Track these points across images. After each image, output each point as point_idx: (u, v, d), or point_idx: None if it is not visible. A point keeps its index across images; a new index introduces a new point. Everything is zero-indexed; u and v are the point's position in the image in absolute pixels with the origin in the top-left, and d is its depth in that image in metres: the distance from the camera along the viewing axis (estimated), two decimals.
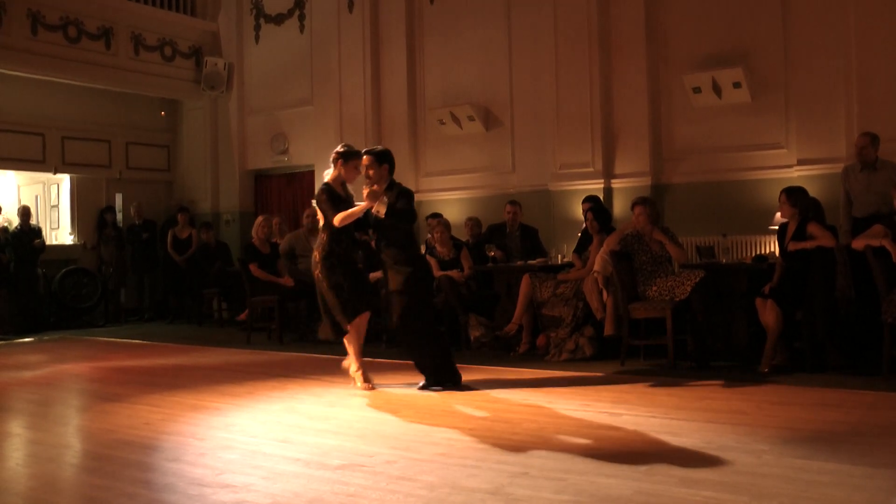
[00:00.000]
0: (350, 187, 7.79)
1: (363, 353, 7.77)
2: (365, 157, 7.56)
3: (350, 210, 7.44)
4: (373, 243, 7.91)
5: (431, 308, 7.98)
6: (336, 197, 7.55)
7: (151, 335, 13.19)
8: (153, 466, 5.10)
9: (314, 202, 7.81)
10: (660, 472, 4.52)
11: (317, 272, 7.61)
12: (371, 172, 7.48)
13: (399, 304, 7.36)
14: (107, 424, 6.49)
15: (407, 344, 7.61)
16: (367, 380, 7.62)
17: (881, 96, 10.19)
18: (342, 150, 7.75)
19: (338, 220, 7.40)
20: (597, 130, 11.99)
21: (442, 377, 7.54)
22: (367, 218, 7.54)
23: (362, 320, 7.68)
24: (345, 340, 7.68)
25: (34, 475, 5.10)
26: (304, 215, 12.78)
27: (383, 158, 7.56)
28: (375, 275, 10.65)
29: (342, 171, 7.68)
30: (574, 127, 12.14)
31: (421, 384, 7.54)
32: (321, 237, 7.64)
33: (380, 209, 7.29)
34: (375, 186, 7.40)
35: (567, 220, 12.05)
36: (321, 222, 7.63)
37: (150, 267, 15.94)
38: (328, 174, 7.75)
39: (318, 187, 7.95)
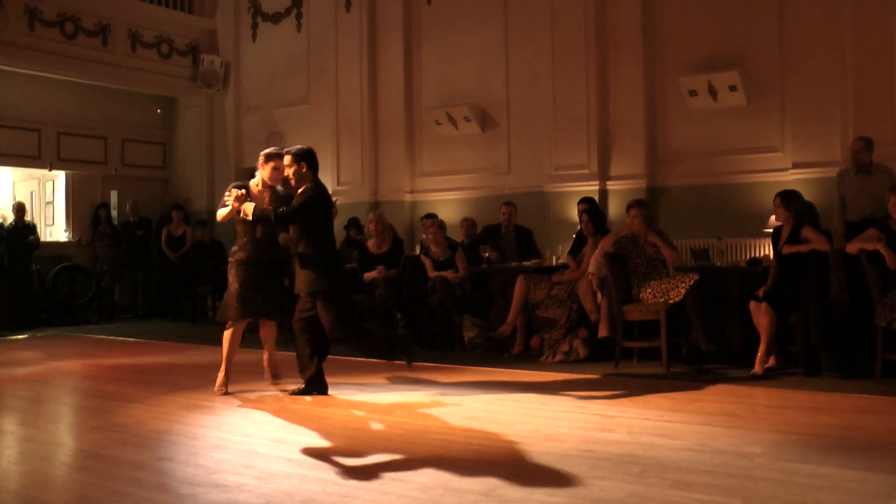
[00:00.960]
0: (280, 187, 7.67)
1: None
2: (285, 157, 7.36)
3: (220, 210, 7.50)
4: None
5: (349, 306, 7.76)
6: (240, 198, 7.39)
7: (145, 333, 13.16)
8: (145, 465, 5.08)
9: None
10: (653, 475, 4.52)
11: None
12: (291, 172, 7.30)
13: (322, 309, 7.18)
14: (99, 422, 6.49)
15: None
16: (225, 384, 7.59)
17: (876, 100, 10.21)
18: (265, 151, 7.66)
19: (218, 217, 7.56)
20: (592, 132, 12.00)
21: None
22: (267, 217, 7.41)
23: (243, 325, 7.64)
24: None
25: (26, 473, 5.09)
26: None
27: (299, 157, 7.30)
28: (371, 274, 10.71)
29: (264, 175, 7.56)
30: (570, 128, 12.16)
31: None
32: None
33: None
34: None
35: (562, 221, 12.06)
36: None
37: (145, 264, 15.92)
38: (256, 176, 7.65)
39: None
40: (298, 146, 7.58)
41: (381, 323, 10.62)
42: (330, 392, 7.38)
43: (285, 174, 7.37)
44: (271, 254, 7.59)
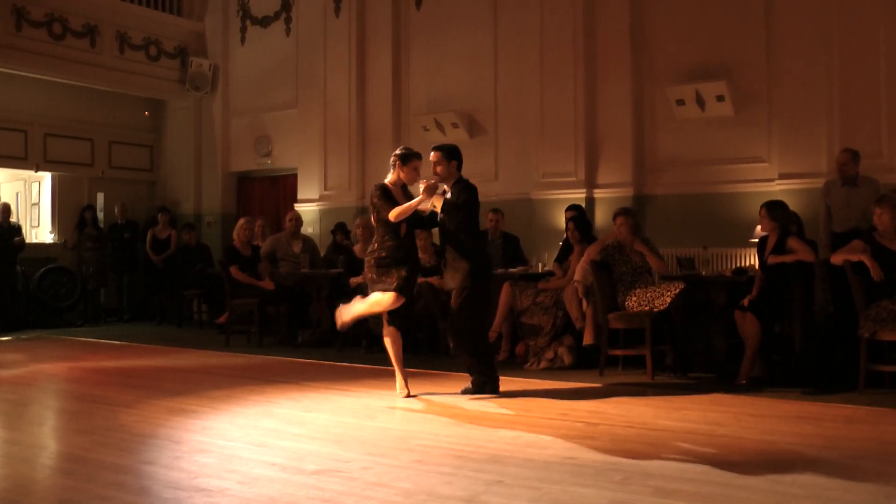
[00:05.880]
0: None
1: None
2: (434, 153, 7.44)
3: (405, 204, 7.23)
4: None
5: (488, 308, 7.84)
6: (389, 195, 7.35)
7: (130, 336, 13.13)
8: (128, 469, 5.07)
9: (371, 202, 7.57)
10: (635, 483, 4.52)
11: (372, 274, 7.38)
12: (439, 169, 7.37)
13: (458, 301, 7.31)
14: (82, 426, 6.46)
15: (462, 344, 7.52)
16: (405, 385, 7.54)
17: (863, 112, 10.26)
18: (400, 152, 7.51)
19: (393, 214, 7.21)
20: (580, 140, 12.02)
21: (487, 383, 7.47)
22: (421, 217, 7.46)
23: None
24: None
25: (7, 476, 5.07)
26: (287, 218, 12.78)
27: (452, 155, 7.43)
28: (357, 279, 10.69)
29: (401, 174, 7.44)
30: (557, 136, 12.17)
31: (465, 388, 7.48)
32: (376, 237, 7.46)
33: (436, 203, 7.21)
34: (433, 179, 7.29)
35: (549, 228, 12.07)
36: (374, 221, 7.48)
37: (131, 267, 15.88)
38: (388, 178, 7.50)
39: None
40: (446, 143, 7.72)
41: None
42: (312, 396, 7.40)
43: (434, 170, 7.38)
44: (413, 250, 7.57)
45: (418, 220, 7.48)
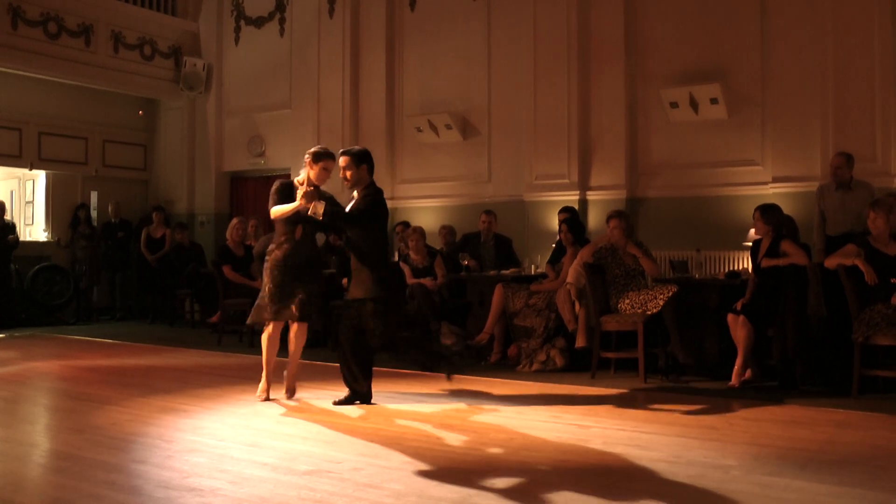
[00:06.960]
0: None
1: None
2: (342, 157, 7.23)
3: (283, 206, 7.24)
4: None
5: (402, 316, 7.77)
6: (284, 192, 7.32)
7: (122, 335, 13.10)
8: (120, 468, 5.06)
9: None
10: (626, 486, 4.53)
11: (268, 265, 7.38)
12: (349, 174, 7.17)
13: (375, 316, 7.08)
14: (74, 424, 6.45)
15: (403, 352, 7.40)
16: (267, 390, 7.44)
17: (857, 116, 10.27)
18: (313, 150, 7.43)
19: (273, 212, 7.29)
20: (573, 142, 12.02)
21: (453, 365, 7.44)
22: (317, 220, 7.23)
23: (279, 328, 7.48)
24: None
25: (0, 473, 5.07)
26: None
27: (361, 159, 7.23)
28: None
29: (311, 173, 7.33)
30: (551, 138, 12.17)
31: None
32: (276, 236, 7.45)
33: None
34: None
35: (541, 230, 12.07)
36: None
37: (124, 266, 15.85)
38: (301, 174, 7.42)
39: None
40: (356, 147, 7.51)
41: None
42: (304, 396, 7.39)
43: (344, 175, 7.22)
44: (309, 254, 7.46)
45: (318, 222, 7.27)
